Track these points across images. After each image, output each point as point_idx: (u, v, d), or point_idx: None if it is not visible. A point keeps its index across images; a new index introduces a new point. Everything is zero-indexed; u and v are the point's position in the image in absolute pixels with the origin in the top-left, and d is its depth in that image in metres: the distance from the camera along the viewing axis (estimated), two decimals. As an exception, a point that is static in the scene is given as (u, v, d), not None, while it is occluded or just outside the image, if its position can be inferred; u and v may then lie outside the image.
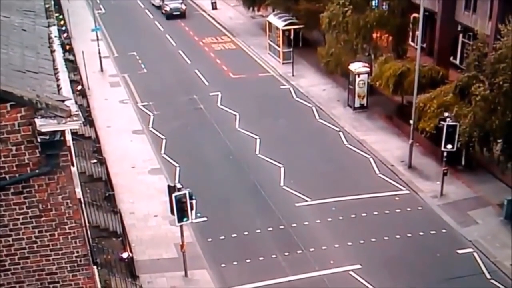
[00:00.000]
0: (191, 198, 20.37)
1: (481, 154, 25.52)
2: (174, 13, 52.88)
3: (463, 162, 27.60)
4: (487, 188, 26.18)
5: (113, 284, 19.88)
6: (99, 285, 15.24)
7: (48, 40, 13.52)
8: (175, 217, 20.46)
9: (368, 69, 33.59)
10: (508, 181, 25.94)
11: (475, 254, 22.71)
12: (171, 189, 20.46)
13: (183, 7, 53.58)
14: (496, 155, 24.60)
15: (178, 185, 20.62)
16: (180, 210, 20.26)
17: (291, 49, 39.97)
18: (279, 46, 41.94)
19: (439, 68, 30.61)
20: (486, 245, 23.04)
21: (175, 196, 20.08)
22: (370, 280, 21.46)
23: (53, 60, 12.33)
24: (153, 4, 57.01)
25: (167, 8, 52.97)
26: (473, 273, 21.71)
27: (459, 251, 22.77)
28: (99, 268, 17.64)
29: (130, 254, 21.49)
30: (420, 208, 25.64)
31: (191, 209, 20.47)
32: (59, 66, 12.22)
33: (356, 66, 33.67)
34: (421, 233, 23.82)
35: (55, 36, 14.18)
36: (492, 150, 24.67)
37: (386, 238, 23.60)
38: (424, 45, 32.85)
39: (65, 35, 40.82)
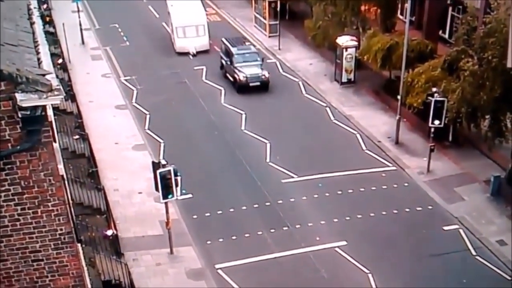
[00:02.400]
0: (176, 175, 20.17)
1: (469, 130, 25.48)
2: (252, 84, 32.88)
3: (450, 138, 27.57)
4: (474, 165, 26.21)
5: (97, 262, 19.67)
6: (83, 262, 15.04)
7: (27, 12, 13.15)
8: (160, 194, 20.25)
9: (356, 43, 33.28)
10: (495, 157, 26.00)
11: (461, 230, 22.78)
12: (156, 166, 20.20)
13: (266, 74, 33.37)
14: (483, 131, 24.56)
15: (163, 162, 20.39)
16: (165, 187, 20.07)
17: (277, 22, 39.50)
18: (265, 19, 41.39)
19: (428, 42, 30.38)
20: (472, 221, 23.12)
21: (160, 173, 19.85)
22: (355, 256, 21.49)
23: (33, 33, 12.04)
24: (178, 51, 38.94)
25: (241, 76, 32.63)
26: (459, 250, 21.80)
27: (445, 228, 22.82)
28: (83, 245, 17.35)
29: (115, 232, 21.31)
30: (406, 184, 25.62)
31: (176, 185, 20.27)
32: (39, 39, 11.92)
33: (343, 40, 33.32)
34: (407, 210, 23.83)
35: (35, 8, 13.83)
36: (480, 126, 24.63)
37: (372, 214, 23.59)
38: (413, 19, 32.46)
39: (44, 6, 39.89)
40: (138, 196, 24.59)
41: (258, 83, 32.92)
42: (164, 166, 20.03)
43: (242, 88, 32.89)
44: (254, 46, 36.63)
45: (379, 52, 30.34)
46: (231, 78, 33.74)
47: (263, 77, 33.03)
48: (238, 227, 22.98)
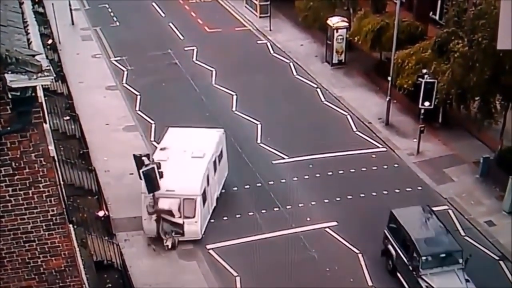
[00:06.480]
0: (159, 168, 19.96)
1: (458, 111, 25.60)
2: None
3: (440, 120, 27.70)
4: (463, 146, 26.38)
5: (89, 243, 19.74)
6: (75, 243, 15.09)
7: (17, -9, 12.91)
8: (145, 190, 20.16)
9: (346, 24, 33.18)
10: (485, 139, 26.17)
11: (450, 211, 23.02)
12: (138, 162, 19.91)
13: None
14: (473, 113, 24.68)
15: (145, 159, 19.98)
16: (150, 183, 19.94)
17: (268, 2, 39.32)
18: (256, -1, 41.14)
19: (418, 24, 30.34)
20: (461, 202, 23.36)
21: (143, 172, 19.67)
22: (346, 237, 21.72)
23: (22, 13, 11.87)
24: None
25: None
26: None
27: (435, 209, 22.81)
28: (75, 226, 17.42)
29: (106, 212, 21.31)
30: (396, 165, 25.78)
31: (161, 177, 20.07)
32: (29, 19, 11.79)
33: (334, 21, 33.21)
34: (397, 191, 24.01)
35: (24, -13, 13.55)
36: (469, 108, 24.73)
37: (362, 195, 23.76)
38: (404, 0, 32.39)
39: (34, -14, 39.37)
40: (129, 177, 24.47)
41: None
42: (147, 165, 19.73)
43: None
44: (447, 230, 19.88)
45: (369, 33, 30.30)
46: (406, 286, 19.61)
47: None
48: (230, 207, 23.09)
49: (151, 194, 20.60)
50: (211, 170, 22.25)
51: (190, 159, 21.97)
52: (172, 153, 22.09)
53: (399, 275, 19.86)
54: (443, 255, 18.98)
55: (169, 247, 21.10)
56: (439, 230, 19.83)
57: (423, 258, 18.64)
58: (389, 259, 20.28)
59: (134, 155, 20.48)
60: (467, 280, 18.55)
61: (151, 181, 19.82)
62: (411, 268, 19.07)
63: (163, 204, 20.88)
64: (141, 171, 19.63)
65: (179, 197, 20.96)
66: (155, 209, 20.80)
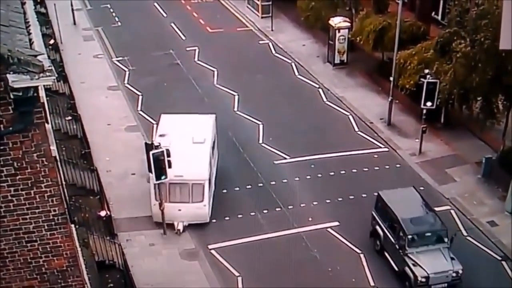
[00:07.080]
0: (168, 156, 20.15)
1: (461, 112, 25.58)
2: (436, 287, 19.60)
3: (442, 120, 27.68)
4: (465, 146, 26.36)
5: (91, 243, 19.77)
6: (77, 243, 15.10)
7: (19, -9, 12.92)
8: (153, 175, 20.24)
9: (348, 24, 33.16)
10: (487, 139, 26.15)
11: (452, 211, 23.01)
12: (149, 147, 20.19)
13: (459, 268, 19.39)
14: (475, 113, 24.66)
15: (156, 143, 20.35)
16: (158, 168, 20.04)
17: (270, 2, 39.31)
18: (258, -1, 41.12)
19: (421, 24, 30.31)
20: (463, 202, 23.35)
21: (153, 154, 19.85)
22: (347, 237, 21.73)
23: (24, 13, 11.90)
24: None
25: (418, 275, 19.16)
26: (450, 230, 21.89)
27: (437, 209, 22.83)
28: (77, 226, 17.45)
29: (108, 213, 21.34)
30: (398, 165, 25.75)
31: (169, 167, 20.25)
32: (31, 19, 11.81)
33: (336, 21, 33.19)
34: (399, 191, 23.98)
35: (26, -13, 13.56)
36: (472, 108, 24.72)
37: (364, 195, 23.74)
38: (406, 0, 32.32)
39: (36, -14, 39.41)
40: (131, 177, 24.62)
41: (444, 286, 19.34)
42: (156, 147, 20.08)
43: None
44: (433, 210, 20.72)
45: (371, 33, 30.28)
46: (395, 267, 20.06)
47: (453, 274, 19.14)
48: (231, 208, 23.10)
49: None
50: (211, 155, 23.16)
51: (192, 145, 22.69)
52: (173, 139, 22.48)
53: (386, 254, 20.52)
54: (429, 234, 19.69)
55: (181, 231, 21.81)
56: (424, 210, 20.65)
57: (409, 237, 19.28)
58: (376, 240, 20.96)
59: (145, 143, 21.14)
60: (452, 258, 19.27)
61: (160, 165, 19.96)
62: (397, 247, 19.67)
63: (172, 189, 21.45)
64: (150, 153, 19.79)
65: (187, 182, 21.53)
66: (163, 194, 21.13)
